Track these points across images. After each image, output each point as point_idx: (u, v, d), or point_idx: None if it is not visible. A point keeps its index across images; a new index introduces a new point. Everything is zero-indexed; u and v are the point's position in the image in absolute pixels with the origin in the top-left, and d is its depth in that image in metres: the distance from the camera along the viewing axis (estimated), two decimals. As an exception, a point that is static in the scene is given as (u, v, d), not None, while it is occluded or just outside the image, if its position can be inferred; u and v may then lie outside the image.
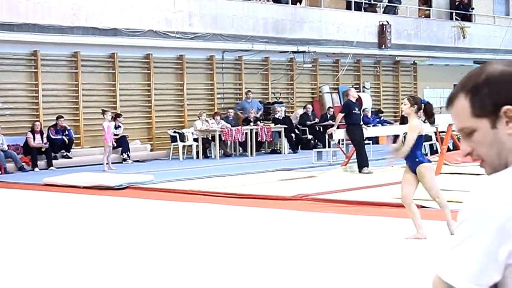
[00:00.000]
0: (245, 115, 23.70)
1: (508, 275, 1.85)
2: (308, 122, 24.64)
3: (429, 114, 8.68)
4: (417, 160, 8.44)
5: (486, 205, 1.84)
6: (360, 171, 16.11)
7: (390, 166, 14.40)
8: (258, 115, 23.88)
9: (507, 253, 1.83)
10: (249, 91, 24.51)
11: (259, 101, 24.84)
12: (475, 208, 1.86)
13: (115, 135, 19.93)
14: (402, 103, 8.79)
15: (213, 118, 22.54)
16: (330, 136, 18.26)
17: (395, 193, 11.75)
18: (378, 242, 8.56)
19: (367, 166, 16.00)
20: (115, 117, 20.46)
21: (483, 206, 1.85)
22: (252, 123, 22.96)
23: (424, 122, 9.20)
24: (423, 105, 8.59)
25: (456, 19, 31.93)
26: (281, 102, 25.30)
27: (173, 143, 22.04)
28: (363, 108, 24.95)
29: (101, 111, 19.36)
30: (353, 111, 16.48)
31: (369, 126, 22.06)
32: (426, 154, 19.99)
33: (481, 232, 1.84)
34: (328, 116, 24.67)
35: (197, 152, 21.98)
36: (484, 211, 1.84)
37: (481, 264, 1.84)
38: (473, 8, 33.35)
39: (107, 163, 18.64)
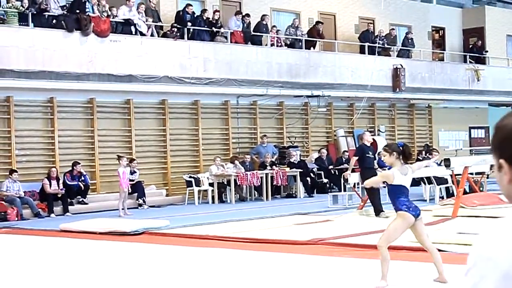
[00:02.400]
0: (261, 160, 23.70)
1: None
2: (323, 166, 24.62)
3: (407, 156, 8.70)
4: (394, 207, 8.69)
5: (491, 252, 1.85)
6: (376, 215, 16.01)
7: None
8: (273, 159, 23.88)
9: None
10: (265, 135, 24.54)
11: (274, 146, 24.85)
12: (481, 254, 1.87)
13: (130, 180, 19.98)
14: (382, 155, 8.86)
15: (232, 162, 22.62)
16: (346, 180, 18.22)
17: (412, 237, 11.66)
18: (397, 286, 8.48)
19: (382, 210, 15.90)
20: (129, 162, 20.50)
21: (488, 253, 1.85)
22: (268, 167, 22.97)
23: (440, 163, 9.20)
24: (401, 148, 8.66)
25: (470, 62, 32.00)
26: (296, 146, 25.31)
27: (188, 188, 22.05)
28: (378, 151, 24.91)
29: (117, 156, 19.43)
30: (367, 155, 16.47)
31: (384, 170, 21.95)
32: (443, 197, 19.90)
33: (486, 279, 1.83)
34: (343, 159, 24.65)
35: (213, 197, 21.97)
36: (488, 257, 1.84)
37: None
38: (487, 51, 33.42)
39: (122, 209, 18.66)
